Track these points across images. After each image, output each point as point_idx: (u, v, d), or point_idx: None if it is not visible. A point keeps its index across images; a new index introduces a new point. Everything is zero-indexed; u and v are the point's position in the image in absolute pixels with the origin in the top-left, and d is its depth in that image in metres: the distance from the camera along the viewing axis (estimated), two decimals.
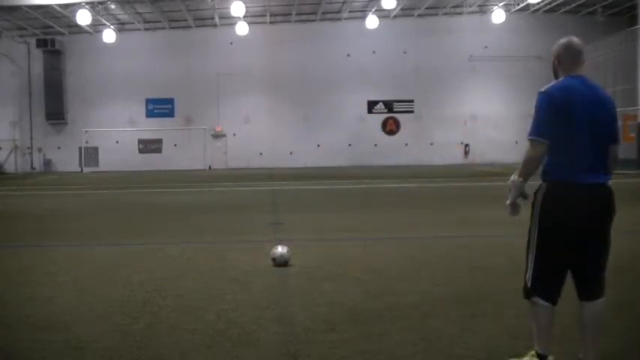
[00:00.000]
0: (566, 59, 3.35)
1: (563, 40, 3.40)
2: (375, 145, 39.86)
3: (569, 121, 3.18)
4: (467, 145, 39.92)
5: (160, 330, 4.39)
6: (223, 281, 5.95)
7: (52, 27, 37.20)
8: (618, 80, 30.51)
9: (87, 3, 32.73)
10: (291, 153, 39.36)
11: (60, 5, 32.48)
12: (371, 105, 40.18)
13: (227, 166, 39.25)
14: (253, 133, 39.00)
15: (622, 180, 21.96)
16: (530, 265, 3.37)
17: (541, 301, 3.34)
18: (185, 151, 39.48)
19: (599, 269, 3.34)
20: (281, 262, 6.55)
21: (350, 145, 39.68)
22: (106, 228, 10.60)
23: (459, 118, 39.67)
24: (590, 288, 3.33)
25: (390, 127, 40.46)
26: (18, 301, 5.32)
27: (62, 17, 35.07)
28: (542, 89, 3.30)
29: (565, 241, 3.25)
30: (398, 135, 40.26)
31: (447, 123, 39.41)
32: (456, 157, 39.36)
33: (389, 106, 40.26)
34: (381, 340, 4.08)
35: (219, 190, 20.18)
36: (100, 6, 34.11)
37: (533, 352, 3.43)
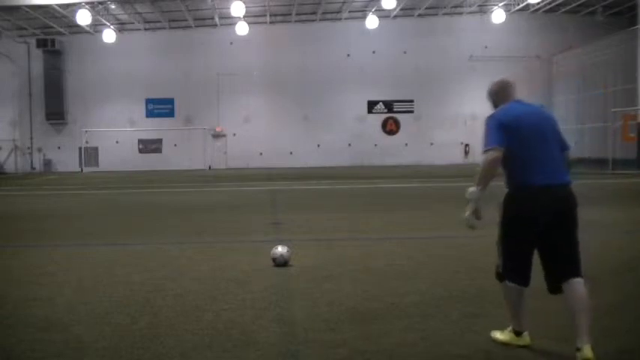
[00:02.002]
0: (502, 93, 3.97)
1: (496, 81, 4.07)
2: (375, 145, 39.88)
3: (518, 135, 3.68)
4: (467, 145, 39.91)
5: (160, 330, 4.39)
6: (223, 281, 5.95)
7: (52, 27, 37.22)
8: (618, 80, 30.51)
9: (87, 3, 32.75)
10: (291, 153, 39.37)
11: (60, 5, 32.50)
12: (371, 105, 40.19)
13: (227, 166, 39.26)
14: (253, 133, 39.01)
15: (622, 180, 21.95)
16: (499, 254, 3.87)
17: (512, 284, 3.82)
18: (185, 151, 39.49)
19: (568, 257, 3.68)
20: (281, 262, 6.55)
21: (350, 145, 39.69)
22: (106, 228, 10.59)
23: (458, 118, 39.67)
24: (560, 271, 3.66)
25: (390, 127, 40.47)
26: (18, 301, 5.32)
27: (62, 17, 35.09)
28: (489, 115, 3.85)
29: (526, 233, 3.69)
30: (398, 135, 40.28)
31: (447, 123, 39.43)
32: (456, 157, 39.37)
33: (389, 106, 40.27)
34: (381, 340, 4.08)
35: (219, 190, 20.18)
36: (100, 6, 34.13)
37: (510, 329, 3.92)
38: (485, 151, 3.70)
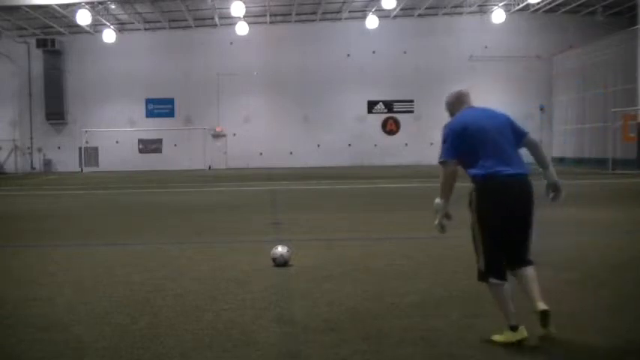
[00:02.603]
0: (457, 103, 4.29)
1: (452, 93, 4.39)
2: (375, 145, 39.85)
3: (472, 137, 4.01)
4: None
5: (160, 330, 4.39)
6: (223, 281, 5.95)
7: (52, 27, 37.20)
8: (618, 80, 30.47)
9: (87, 3, 32.73)
10: (291, 153, 39.35)
11: (60, 5, 32.47)
12: (371, 105, 40.16)
13: (227, 166, 39.25)
14: (253, 133, 38.99)
15: (622, 180, 21.96)
16: (480, 252, 4.02)
17: (496, 281, 3.96)
18: (185, 151, 39.47)
19: (526, 241, 4.00)
20: (281, 262, 6.55)
21: (350, 145, 39.67)
22: (106, 228, 10.60)
23: None
24: (520, 257, 3.97)
25: (390, 127, 40.44)
26: (18, 301, 5.32)
27: (62, 17, 35.07)
28: (445, 124, 4.18)
29: (497, 221, 3.93)
30: (398, 135, 40.25)
31: None
32: None
33: (389, 106, 40.24)
34: (381, 340, 4.08)
35: (219, 190, 20.18)
36: (100, 6, 34.11)
37: (507, 327, 3.99)
38: (441, 163, 4.05)
